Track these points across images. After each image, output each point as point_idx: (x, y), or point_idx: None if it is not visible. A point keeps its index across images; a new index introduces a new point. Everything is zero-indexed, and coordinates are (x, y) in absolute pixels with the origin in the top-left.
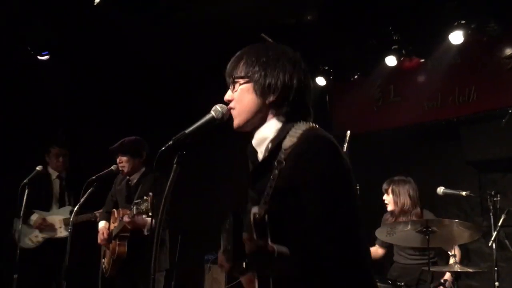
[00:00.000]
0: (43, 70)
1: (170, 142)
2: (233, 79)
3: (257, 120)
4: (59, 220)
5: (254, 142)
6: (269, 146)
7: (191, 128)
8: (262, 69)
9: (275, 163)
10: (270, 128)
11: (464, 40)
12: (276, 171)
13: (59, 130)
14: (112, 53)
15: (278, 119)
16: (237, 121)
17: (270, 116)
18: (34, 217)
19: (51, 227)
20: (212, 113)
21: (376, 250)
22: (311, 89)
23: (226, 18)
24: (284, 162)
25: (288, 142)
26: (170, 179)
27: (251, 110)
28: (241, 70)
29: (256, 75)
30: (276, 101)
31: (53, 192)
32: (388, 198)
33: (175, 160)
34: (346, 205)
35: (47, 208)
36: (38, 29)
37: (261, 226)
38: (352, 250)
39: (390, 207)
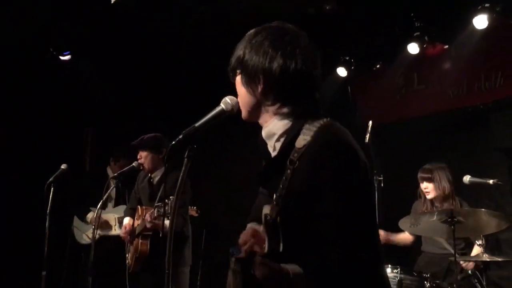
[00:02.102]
0: (69, 70)
1: (180, 136)
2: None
3: (257, 113)
4: (114, 218)
5: (263, 134)
6: (280, 142)
7: (200, 122)
8: (245, 58)
9: (288, 162)
10: (275, 124)
11: (488, 24)
12: (289, 171)
13: (88, 129)
14: (134, 50)
15: (282, 114)
16: (242, 114)
17: (269, 109)
18: (90, 215)
19: (107, 225)
20: (222, 105)
21: (405, 237)
22: (315, 75)
23: (244, 9)
24: (297, 162)
25: (301, 140)
26: (181, 173)
27: (247, 102)
28: (232, 61)
29: (240, 67)
30: (264, 90)
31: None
32: (430, 186)
33: (186, 154)
34: (362, 211)
35: (102, 206)
36: (60, 29)
37: (273, 227)
38: (368, 258)
39: (431, 195)
